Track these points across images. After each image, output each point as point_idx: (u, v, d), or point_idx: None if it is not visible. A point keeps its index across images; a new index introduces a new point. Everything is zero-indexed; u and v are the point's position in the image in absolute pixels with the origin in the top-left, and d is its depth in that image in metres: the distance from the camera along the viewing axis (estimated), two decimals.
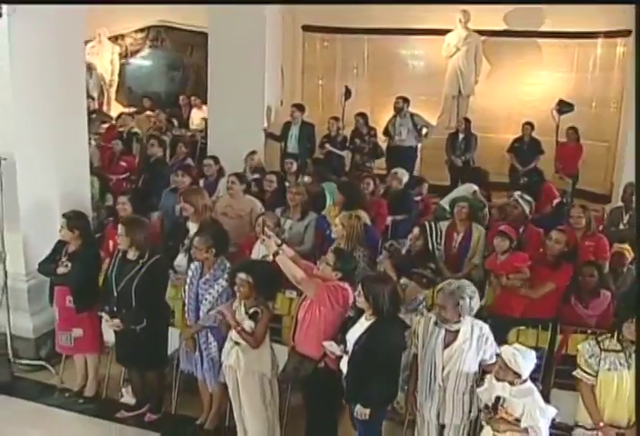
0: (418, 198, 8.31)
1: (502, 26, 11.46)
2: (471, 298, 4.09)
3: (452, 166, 10.51)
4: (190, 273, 5.06)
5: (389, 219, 7.23)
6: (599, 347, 4.12)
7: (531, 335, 5.24)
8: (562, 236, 5.45)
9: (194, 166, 8.35)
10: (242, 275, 4.58)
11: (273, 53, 9.96)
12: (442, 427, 4.37)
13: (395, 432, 5.03)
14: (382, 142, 10.62)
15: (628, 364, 4.02)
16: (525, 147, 10.14)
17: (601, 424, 4.08)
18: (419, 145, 10.54)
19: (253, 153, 8.52)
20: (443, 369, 4.17)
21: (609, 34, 10.92)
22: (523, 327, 5.25)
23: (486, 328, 4.22)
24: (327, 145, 10.02)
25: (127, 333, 5.11)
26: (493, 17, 11.33)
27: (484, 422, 4.01)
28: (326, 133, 10.21)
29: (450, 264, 6.41)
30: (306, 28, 12.20)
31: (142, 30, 13.22)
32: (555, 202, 8.00)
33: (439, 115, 11.73)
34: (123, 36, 13.23)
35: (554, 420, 4.65)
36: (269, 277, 4.62)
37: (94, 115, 11.61)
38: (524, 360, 3.80)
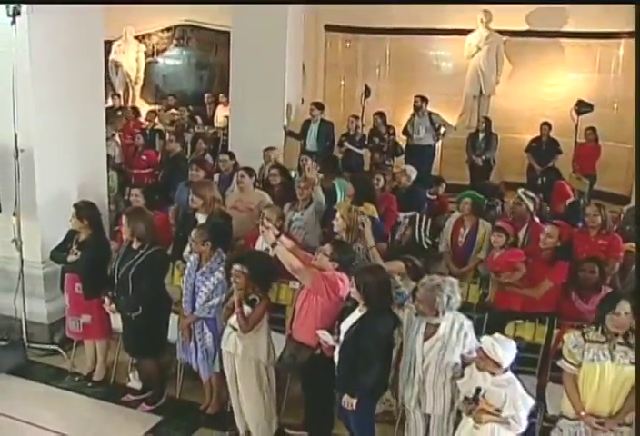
0: (435, 197, 8.42)
1: (524, 26, 11.48)
2: (449, 297, 4.11)
3: (472, 165, 10.57)
4: (189, 265, 5.23)
5: (401, 215, 7.32)
6: (583, 338, 4.15)
7: (528, 329, 5.30)
8: (554, 230, 5.50)
9: (208, 161, 8.50)
10: (237, 266, 4.71)
11: (294, 52, 10.08)
12: (428, 417, 4.43)
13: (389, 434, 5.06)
14: (401, 141, 10.74)
15: (611, 356, 4.04)
16: (543, 147, 10.16)
17: (582, 414, 4.12)
18: (437, 144, 10.57)
19: (270, 149, 8.66)
20: (423, 360, 4.23)
21: (632, 34, 10.81)
22: (520, 321, 5.32)
23: (468, 323, 4.25)
24: (346, 144, 10.12)
25: (128, 321, 5.33)
26: (515, 17, 11.34)
27: (463, 414, 4.05)
28: (346, 131, 10.32)
29: (456, 259, 6.52)
30: (329, 28, 12.35)
31: (168, 29, 13.47)
32: (569, 201, 7.98)
33: (460, 115, 11.77)
34: (150, 35, 13.50)
35: (546, 412, 4.79)
36: (264, 268, 4.75)
37: (119, 112, 11.92)
38: (503, 350, 3.86)
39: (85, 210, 5.53)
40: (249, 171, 6.87)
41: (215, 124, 12.24)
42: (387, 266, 4.79)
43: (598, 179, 10.37)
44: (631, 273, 6.05)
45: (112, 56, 12.73)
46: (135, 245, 5.26)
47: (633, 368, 4.00)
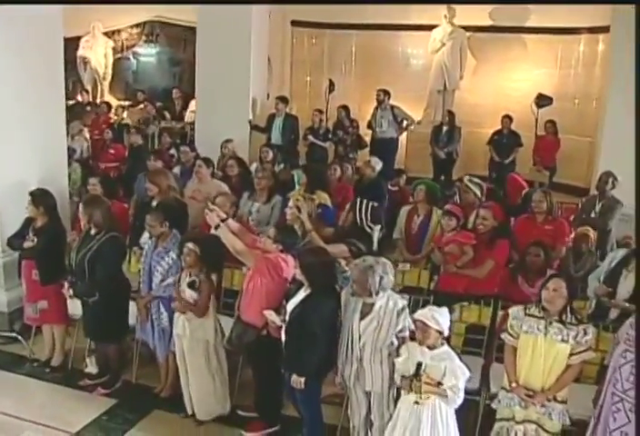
0: (396, 188, 8.57)
1: (488, 22, 11.67)
2: (381, 277, 4.22)
3: (435, 158, 10.72)
4: (146, 247, 5.37)
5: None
6: (525, 312, 4.33)
7: (473, 311, 5.45)
8: (487, 213, 5.68)
9: (168, 153, 8.60)
10: (189, 245, 4.87)
11: (259, 47, 10.21)
12: (369, 395, 4.54)
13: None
14: (366, 135, 10.90)
15: (545, 331, 4.20)
16: (504, 140, 10.34)
17: (513, 385, 4.28)
18: (400, 137, 10.75)
19: (227, 141, 8.74)
20: (359, 339, 4.35)
21: (592, 30, 11.08)
22: (466, 303, 5.47)
23: (402, 302, 4.36)
24: (310, 137, 10.27)
25: (87, 306, 5.43)
26: (479, 13, 11.53)
27: (403, 391, 4.16)
28: (310, 124, 10.45)
29: (410, 246, 6.67)
30: (295, 23, 12.48)
31: (137, 25, 13.55)
32: (524, 192, 8.15)
33: (424, 109, 11.94)
34: (119, 31, 13.57)
35: (488, 390, 4.94)
36: (214, 249, 4.88)
37: (88, 107, 11.98)
38: (441, 316, 4.00)
39: (40, 197, 5.63)
40: (207, 161, 7.00)
41: (186, 120, 12.30)
42: (331, 249, 4.91)
43: (559, 172, 10.59)
44: (586, 257, 6.19)
45: (80, 52, 12.80)
46: (92, 232, 5.36)
47: (564, 346, 4.17)
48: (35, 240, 5.58)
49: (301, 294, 4.53)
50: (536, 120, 10.12)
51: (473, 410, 4.93)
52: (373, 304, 4.32)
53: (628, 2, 8.30)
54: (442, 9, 11.59)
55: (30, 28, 6.23)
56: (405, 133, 11.31)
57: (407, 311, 4.33)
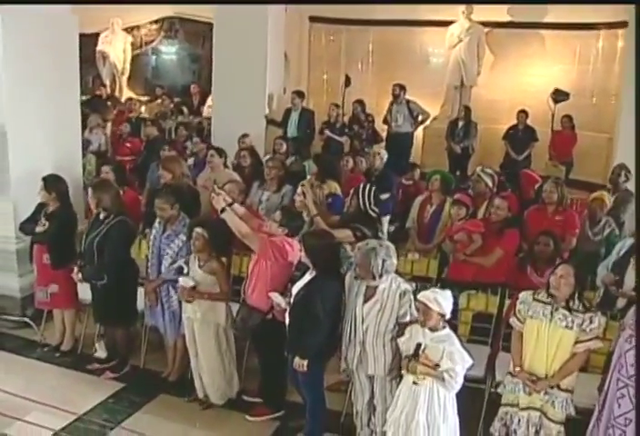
0: (410, 182, 8.58)
1: (506, 18, 11.59)
2: (384, 260, 4.23)
3: (451, 153, 10.68)
4: (154, 231, 5.40)
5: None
6: (532, 297, 4.31)
7: (481, 299, 5.43)
8: (503, 203, 5.65)
9: (181, 144, 8.65)
10: (198, 229, 4.91)
11: (275, 42, 10.24)
12: (372, 379, 4.55)
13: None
14: (382, 131, 10.90)
15: (551, 316, 4.18)
16: (520, 134, 10.27)
17: (517, 369, 4.26)
18: (415, 132, 10.73)
19: (244, 136, 8.79)
20: (362, 322, 4.35)
21: (611, 26, 10.97)
22: (473, 291, 5.45)
23: (405, 286, 4.36)
24: (326, 131, 10.25)
25: (96, 290, 5.50)
26: (497, 9, 11.43)
27: (403, 371, 4.14)
28: (326, 119, 10.46)
29: (421, 236, 6.67)
30: (313, 19, 12.50)
31: (156, 21, 13.65)
32: (537, 185, 8.09)
33: (442, 105, 11.89)
34: (138, 27, 13.68)
35: (494, 378, 4.91)
36: (223, 233, 4.91)
37: (109, 102, 12.12)
38: (444, 299, 3.99)
39: (52, 182, 5.70)
40: (219, 151, 7.04)
41: (204, 115, 12.35)
42: (336, 234, 4.91)
43: (577, 168, 10.50)
44: (603, 221, 6.24)
45: (99, 47, 12.94)
46: (101, 216, 5.43)
47: (569, 333, 4.14)
48: (47, 224, 5.65)
49: (306, 277, 4.55)
50: (553, 115, 10.05)
51: (478, 398, 4.93)
52: (376, 287, 4.33)
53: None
54: (459, 5, 11.54)
55: (46, 20, 6.31)
56: (421, 129, 11.29)
57: (411, 295, 4.32)
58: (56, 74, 6.60)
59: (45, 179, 5.71)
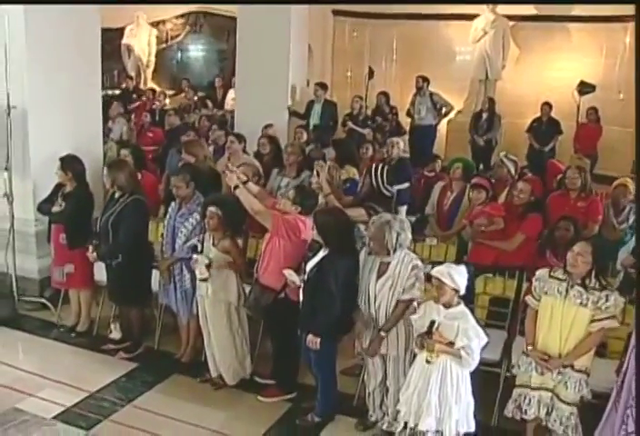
0: (432, 174, 8.50)
1: (531, 11, 11.47)
2: (398, 234, 4.17)
3: (474, 145, 10.59)
4: (170, 210, 5.40)
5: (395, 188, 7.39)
6: (549, 274, 4.24)
7: (498, 283, 5.34)
8: (526, 186, 5.55)
9: (204, 132, 8.67)
10: (212, 208, 4.89)
11: (298, 36, 10.21)
12: (385, 359, 4.49)
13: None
14: (406, 124, 10.84)
15: (566, 294, 4.10)
16: (544, 127, 10.17)
17: (530, 347, 4.18)
18: (439, 125, 10.66)
19: (268, 126, 8.78)
20: (375, 299, 4.30)
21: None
22: (490, 275, 5.36)
23: (416, 261, 4.29)
24: (349, 123, 10.21)
25: (111, 269, 5.51)
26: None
27: (416, 350, 4.08)
28: (349, 111, 10.42)
29: (441, 222, 6.62)
30: (337, 13, 12.48)
31: (182, 16, 13.76)
32: (560, 176, 7.97)
33: (466, 99, 11.80)
34: (164, 22, 13.80)
35: (509, 362, 4.82)
36: (237, 211, 4.88)
37: (134, 95, 12.22)
38: (458, 274, 3.91)
39: (69, 163, 5.72)
40: (239, 136, 7.05)
41: (226, 108, 12.40)
42: (349, 213, 4.84)
43: (603, 163, 10.33)
44: (628, 209, 6.09)
45: (124, 40, 13.06)
46: (116, 195, 5.44)
47: (583, 310, 4.06)
48: (63, 204, 5.67)
49: (320, 255, 4.49)
50: (578, 107, 9.91)
51: (494, 382, 4.84)
52: (389, 263, 4.27)
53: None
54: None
55: (71, 7, 6.38)
56: (445, 123, 11.21)
57: (421, 271, 4.25)
58: (79, 59, 6.64)
59: (62, 159, 5.73)
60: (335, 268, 4.35)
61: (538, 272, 4.32)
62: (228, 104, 12.50)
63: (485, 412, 4.63)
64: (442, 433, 4.03)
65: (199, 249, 5.07)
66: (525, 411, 4.22)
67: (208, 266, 4.90)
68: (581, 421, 4.22)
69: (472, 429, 4.06)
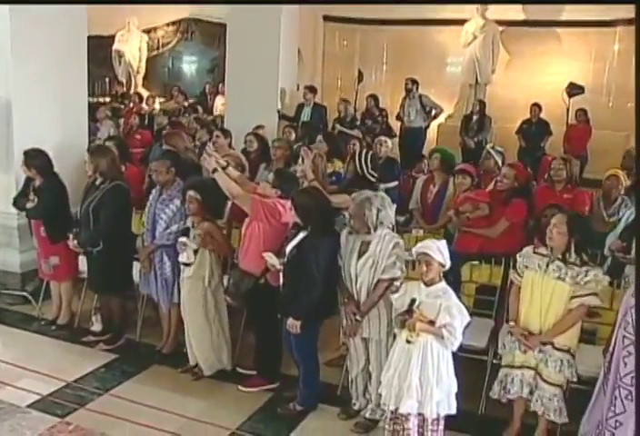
0: (420, 174, 8.44)
1: (521, 16, 11.53)
2: (379, 210, 4.12)
3: (464, 147, 10.56)
4: (151, 197, 5.32)
5: (382, 186, 7.34)
6: (533, 251, 4.21)
7: (484, 271, 5.27)
8: (510, 171, 5.48)
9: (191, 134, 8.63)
10: (191, 192, 4.82)
11: (289, 40, 10.23)
12: (367, 342, 4.41)
13: None
14: (396, 128, 10.82)
15: (546, 268, 4.06)
16: (533, 128, 10.16)
17: (512, 323, 4.12)
18: (428, 127, 10.64)
19: (258, 127, 8.74)
20: (356, 279, 4.23)
21: (630, 22, 10.80)
22: (476, 262, 5.29)
23: (397, 240, 4.22)
24: (337, 125, 10.17)
25: (92, 258, 5.42)
26: (512, 7, 11.40)
27: (396, 329, 3.97)
28: (338, 115, 10.39)
29: (426, 216, 6.53)
30: (327, 18, 12.52)
31: (173, 23, 13.80)
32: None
33: (456, 103, 11.80)
34: (155, 29, 13.84)
35: (496, 350, 4.72)
36: (216, 195, 4.82)
37: (125, 101, 12.20)
38: (444, 249, 3.84)
39: (31, 158, 5.58)
40: (224, 132, 6.99)
41: (215, 113, 12.39)
42: (334, 199, 4.78)
43: (594, 166, 10.27)
44: (619, 201, 5.99)
45: (115, 46, 13.08)
46: (97, 182, 5.36)
47: (561, 284, 4.02)
48: (36, 200, 5.57)
49: (299, 236, 4.41)
50: (567, 109, 9.91)
51: (480, 370, 4.75)
52: (370, 243, 4.19)
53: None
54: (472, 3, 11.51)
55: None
56: (435, 126, 11.18)
57: (402, 249, 4.17)
58: (64, 52, 6.59)
59: (25, 153, 5.60)
60: (316, 248, 4.26)
61: (524, 250, 4.27)
62: (217, 108, 12.51)
63: (472, 400, 4.54)
64: (424, 416, 3.92)
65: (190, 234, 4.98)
66: (509, 390, 4.12)
67: (196, 251, 4.83)
68: (570, 406, 4.13)
69: (453, 411, 3.93)
